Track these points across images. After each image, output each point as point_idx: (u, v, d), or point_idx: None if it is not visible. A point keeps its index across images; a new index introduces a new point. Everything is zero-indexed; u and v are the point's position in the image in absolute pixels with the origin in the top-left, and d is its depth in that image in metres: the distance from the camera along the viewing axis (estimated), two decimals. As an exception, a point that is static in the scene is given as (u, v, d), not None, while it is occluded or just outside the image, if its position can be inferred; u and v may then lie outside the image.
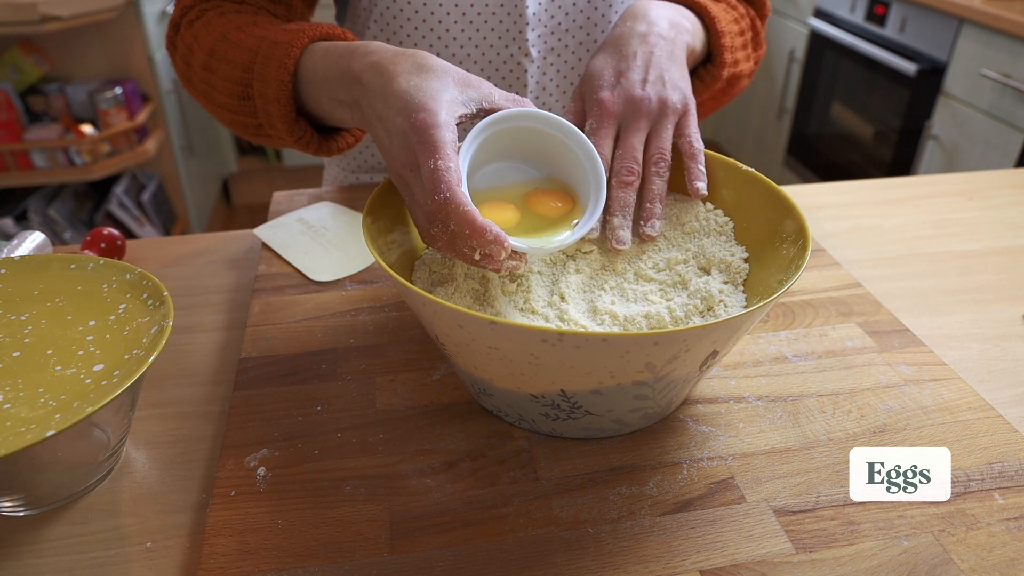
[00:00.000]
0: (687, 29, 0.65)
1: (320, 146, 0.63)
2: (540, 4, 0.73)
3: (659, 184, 0.56)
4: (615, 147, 0.57)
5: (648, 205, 0.56)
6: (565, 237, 0.50)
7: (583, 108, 0.59)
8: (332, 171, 0.91)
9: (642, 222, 0.56)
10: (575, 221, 0.51)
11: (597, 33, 0.76)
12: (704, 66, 0.72)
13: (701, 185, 0.56)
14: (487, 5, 0.72)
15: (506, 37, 0.74)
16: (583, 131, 0.56)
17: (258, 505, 0.44)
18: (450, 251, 0.47)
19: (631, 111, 0.57)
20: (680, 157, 0.58)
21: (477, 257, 0.45)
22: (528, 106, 0.51)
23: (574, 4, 0.74)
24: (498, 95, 0.50)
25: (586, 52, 0.77)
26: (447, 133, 0.45)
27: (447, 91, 0.48)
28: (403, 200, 0.52)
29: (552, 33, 0.75)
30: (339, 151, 0.66)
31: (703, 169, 0.56)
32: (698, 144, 0.57)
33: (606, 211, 0.57)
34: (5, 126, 1.94)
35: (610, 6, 0.75)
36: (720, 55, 0.69)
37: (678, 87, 0.58)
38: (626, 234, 0.55)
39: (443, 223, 0.45)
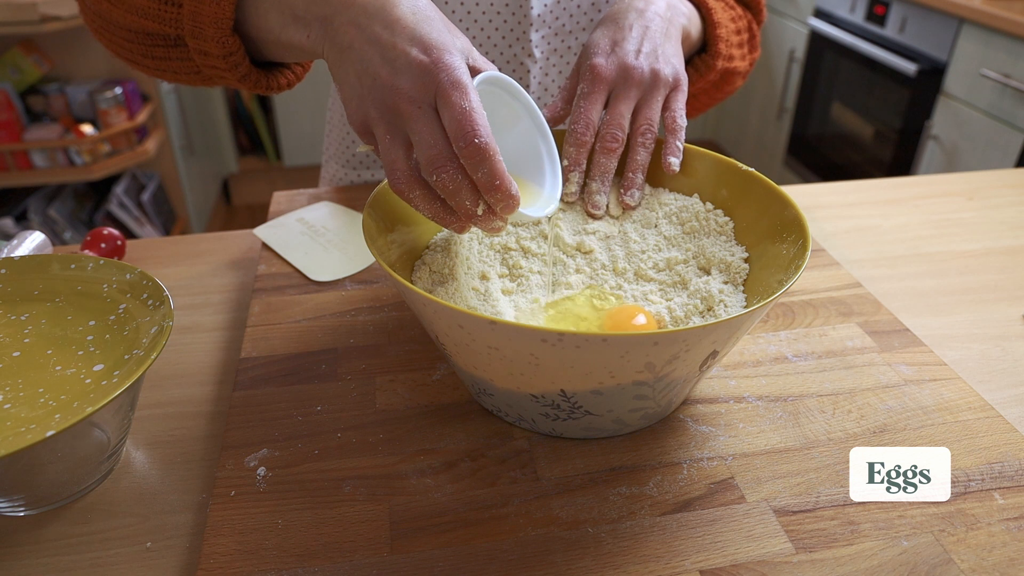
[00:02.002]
0: (683, 12, 0.66)
1: (249, 73, 0.56)
2: (545, 5, 0.73)
3: (643, 155, 0.57)
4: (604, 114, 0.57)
5: (630, 175, 0.57)
6: (545, 205, 0.50)
7: (577, 84, 0.60)
8: (330, 168, 0.91)
9: (622, 191, 0.57)
10: (544, 193, 0.52)
11: None
12: (699, 55, 0.72)
13: (675, 160, 0.56)
14: (492, 4, 0.72)
15: (510, 37, 0.74)
16: (575, 96, 0.57)
17: (258, 505, 0.44)
18: (430, 203, 0.45)
19: (623, 79, 0.57)
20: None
21: (479, 211, 0.44)
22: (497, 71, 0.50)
23: (578, 6, 0.74)
24: (475, 51, 0.48)
25: None
26: (469, 77, 0.44)
27: (447, 35, 0.45)
28: (403, 199, 0.51)
29: (556, 34, 0.75)
30: (269, 88, 0.59)
31: (681, 146, 0.57)
32: (681, 121, 0.58)
33: (586, 175, 0.58)
34: (5, 126, 1.94)
35: None
36: (715, 45, 0.70)
37: (671, 62, 0.59)
38: (602, 200, 0.56)
39: (455, 169, 0.43)
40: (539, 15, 0.73)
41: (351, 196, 0.80)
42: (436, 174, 0.43)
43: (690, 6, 0.69)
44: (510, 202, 0.43)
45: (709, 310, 0.50)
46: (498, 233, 0.47)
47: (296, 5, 0.49)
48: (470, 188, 0.43)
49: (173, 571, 0.42)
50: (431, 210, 0.46)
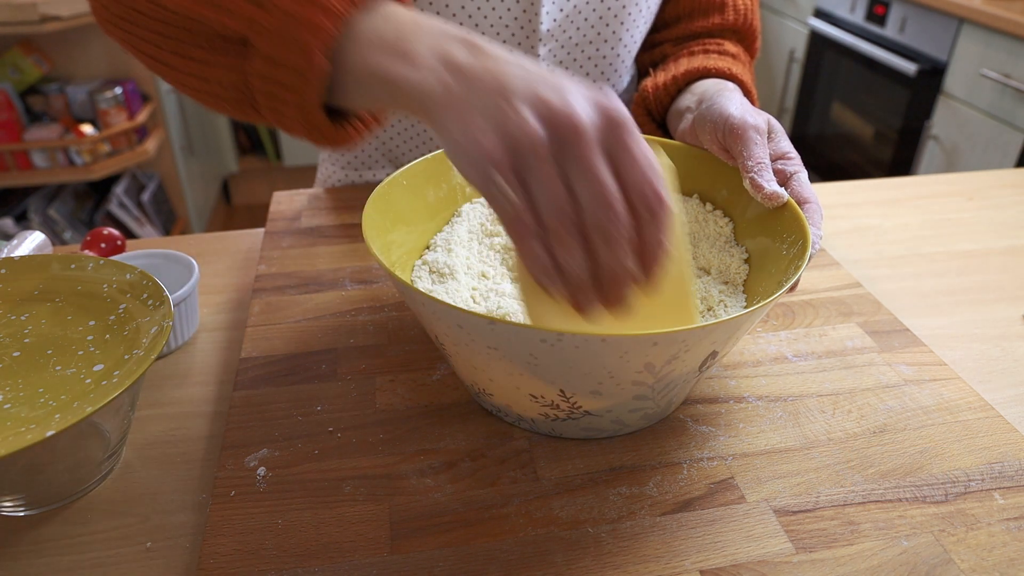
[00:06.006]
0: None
1: (313, 111, 0.43)
2: (555, 21, 0.73)
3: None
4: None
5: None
6: None
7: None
8: (325, 168, 0.90)
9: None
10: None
11: (607, 49, 0.76)
12: None
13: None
14: (500, 18, 0.72)
15: (517, 52, 0.74)
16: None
17: (258, 505, 0.44)
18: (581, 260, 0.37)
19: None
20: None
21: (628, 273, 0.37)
22: None
23: (586, 20, 0.74)
24: None
25: (594, 67, 0.77)
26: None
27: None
28: (402, 199, 0.50)
29: (562, 47, 0.75)
30: (329, 139, 0.46)
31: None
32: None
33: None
34: (5, 126, 1.94)
35: (621, 23, 0.75)
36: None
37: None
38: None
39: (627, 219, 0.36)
40: (548, 30, 0.73)
41: (351, 196, 0.80)
42: (603, 223, 0.36)
43: (732, 85, 0.68)
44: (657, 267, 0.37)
45: (709, 311, 0.50)
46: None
47: (407, 37, 0.40)
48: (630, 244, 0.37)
49: (173, 571, 0.42)
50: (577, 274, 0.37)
